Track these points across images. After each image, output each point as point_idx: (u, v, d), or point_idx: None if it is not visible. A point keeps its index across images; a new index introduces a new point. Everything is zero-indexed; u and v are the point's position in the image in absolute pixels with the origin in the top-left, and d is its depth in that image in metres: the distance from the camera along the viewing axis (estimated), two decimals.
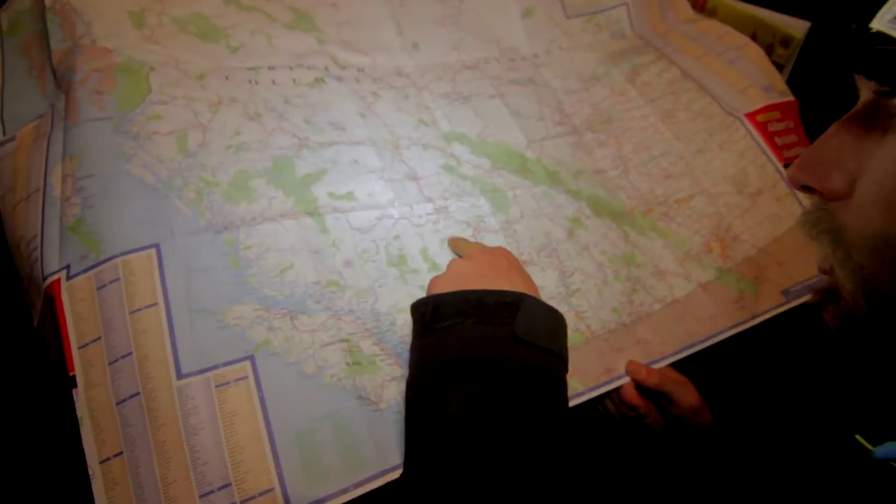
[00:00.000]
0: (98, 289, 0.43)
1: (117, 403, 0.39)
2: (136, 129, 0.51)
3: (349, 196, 0.53)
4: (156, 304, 0.42)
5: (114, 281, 0.43)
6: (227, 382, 0.40)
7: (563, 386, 0.41)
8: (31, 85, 0.59)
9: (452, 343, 0.39)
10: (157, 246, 0.44)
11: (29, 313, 0.50)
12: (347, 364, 0.43)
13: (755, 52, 0.74)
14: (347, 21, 0.69)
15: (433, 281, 0.45)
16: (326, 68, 0.63)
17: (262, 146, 0.54)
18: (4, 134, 0.57)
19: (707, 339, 0.55)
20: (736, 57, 0.73)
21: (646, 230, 0.62)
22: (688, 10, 0.83)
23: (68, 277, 0.44)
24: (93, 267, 0.43)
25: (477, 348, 0.39)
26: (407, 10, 0.72)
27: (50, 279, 0.44)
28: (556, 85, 0.73)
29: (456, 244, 0.53)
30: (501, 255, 0.49)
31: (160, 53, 0.57)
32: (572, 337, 0.52)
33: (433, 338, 0.40)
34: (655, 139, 0.68)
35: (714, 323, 0.56)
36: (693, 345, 0.55)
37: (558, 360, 0.41)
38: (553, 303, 0.53)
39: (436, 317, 0.40)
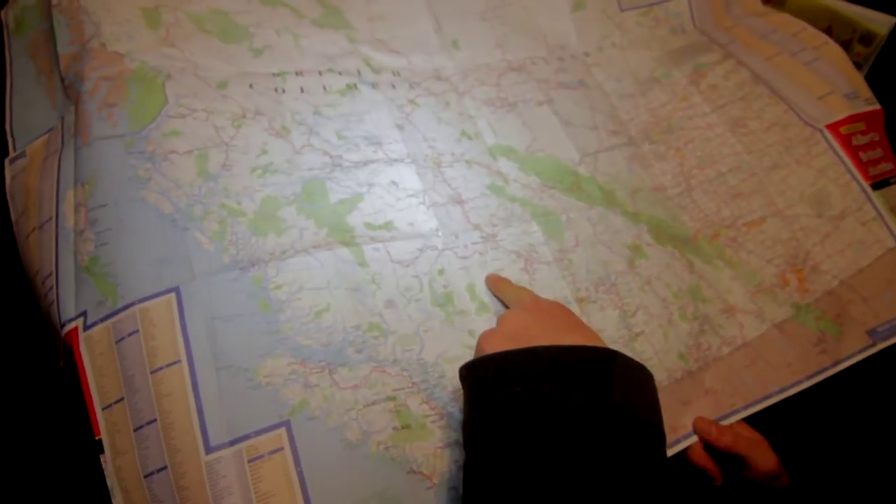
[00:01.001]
0: (117, 342, 0.40)
1: (145, 476, 0.36)
2: (151, 147, 0.47)
3: (388, 226, 0.49)
4: (178, 361, 0.38)
5: (132, 333, 0.39)
6: (261, 456, 0.36)
7: (672, 470, 0.35)
8: (39, 93, 0.55)
9: (526, 416, 0.32)
10: (176, 290, 0.41)
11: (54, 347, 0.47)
12: (395, 429, 0.39)
13: (835, 52, 0.68)
14: (381, 15, 0.65)
15: (485, 338, 0.38)
16: (359, 72, 0.59)
17: (291, 167, 0.50)
18: (15, 149, 0.54)
19: (783, 390, 0.51)
20: (813, 58, 0.68)
21: (712, 258, 0.58)
22: (756, 2, 0.77)
23: (85, 327, 0.41)
24: (110, 316, 0.40)
25: (563, 423, 0.31)
26: (445, 1, 0.68)
27: (67, 328, 0.41)
28: (609, 88, 0.68)
29: (499, 287, 0.48)
30: (558, 307, 0.44)
31: (177, 58, 0.53)
32: None
33: (497, 409, 0.33)
34: (723, 152, 0.64)
35: (791, 371, 0.52)
36: (768, 397, 0.51)
37: (661, 436, 0.35)
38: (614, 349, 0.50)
39: (499, 381, 0.33)
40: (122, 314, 0.40)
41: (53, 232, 0.45)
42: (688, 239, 0.59)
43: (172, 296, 0.41)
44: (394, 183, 0.52)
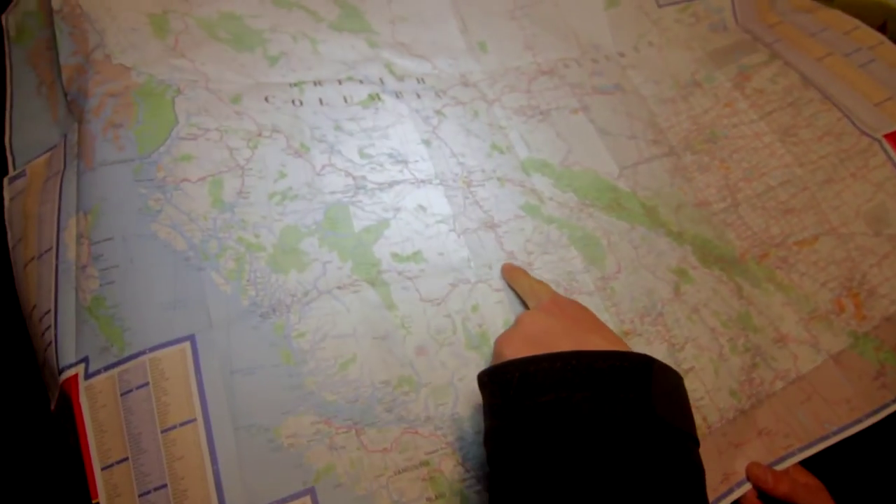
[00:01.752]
0: (122, 394, 0.35)
1: None
2: (161, 174, 0.42)
3: (417, 257, 0.44)
4: (194, 419, 0.34)
5: (141, 386, 0.35)
6: None
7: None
8: (41, 106, 0.50)
9: (559, 427, 0.28)
10: (192, 338, 0.37)
11: (44, 390, 0.43)
12: (429, 500, 0.35)
13: (893, 53, 0.62)
14: (403, 16, 0.59)
15: (504, 341, 0.34)
16: (381, 80, 0.54)
17: (312, 191, 0.45)
18: (14, 167, 0.49)
19: (842, 429, 0.47)
20: (869, 59, 0.62)
21: (761, 281, 0.53)
22: None
23: (86, 375, 0.36)
24: (115, 364, 0.36)
25: (602, 435, 0.28)
26: (471, 0, 0.62)
27: (65, 374, 0.37)
28: (646, 92, 0.62)
29: (513, 277, 0.45)
30: (578, 307, 0.41)
31: (187, 69, 0.48)
32: None
33: (525, 419, 0.29)
34: (771, 164, 0.58)
35: (849, 407, 0.48)
36: (825, 437, 0.46)
37: (697, 445, 0.32)
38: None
39: (526, 389, 0.30)
40: (130, 363, 0.36)
41: (53, 264, 0.41)
42: (735, 260, 0.54)
43: (187, 345, 0.36)
44: (421, 207, 0.47)
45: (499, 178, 0.51)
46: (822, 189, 0.56)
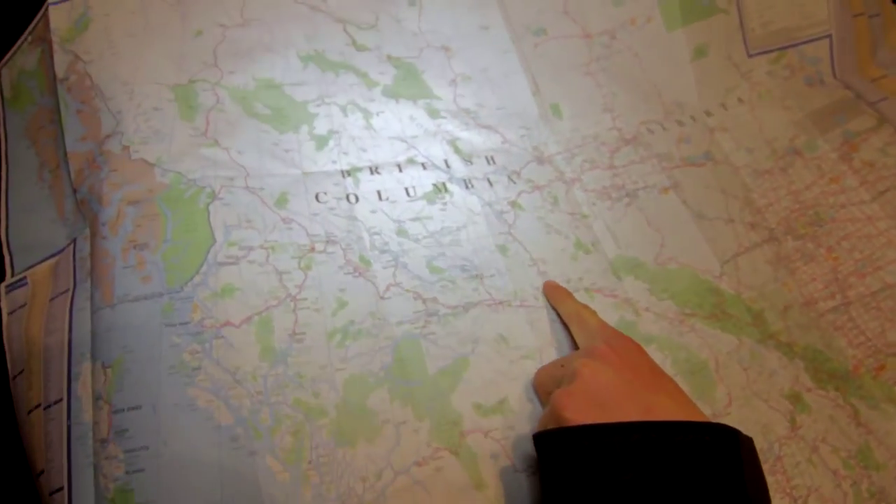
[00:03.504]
0: None
1: None
2: (197, 315, 0.33)
3: (503, 407, 0.36)
4: None
5: None
6: None
7: None
8: (43, 196, 0.41)
9: None
10: None
11: None
12: None
13: None
14: (466, 74, 0.50)
15: (565, 402, 0.30)
16: (447, 163, 0.45)
17: (378, 324, 0.36)
18: (13, 271, 0.40)
19: None
20: None
21: (879, 402, 0.45)
22: None
23: None
24: None
25: None
26: (542, 52, 0.52)
27: None
28: (739, 161, 0.53)
29: (556, 297, 0.40)
30: (635, 351, 0.34)
31: (221, 162, 0.39)
32: None
33: (600, 498, 0.26)
34: (888, 256, 0.49)
35: None
36: None
37: None
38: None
39: (599, 462, 0.27)
40: None
41: (64, 424, 0.32)
42: (848, 374, 0.45)
43: None
44: (503, 338, 0.38)
45: (587, 289, 0.42)
46: None
